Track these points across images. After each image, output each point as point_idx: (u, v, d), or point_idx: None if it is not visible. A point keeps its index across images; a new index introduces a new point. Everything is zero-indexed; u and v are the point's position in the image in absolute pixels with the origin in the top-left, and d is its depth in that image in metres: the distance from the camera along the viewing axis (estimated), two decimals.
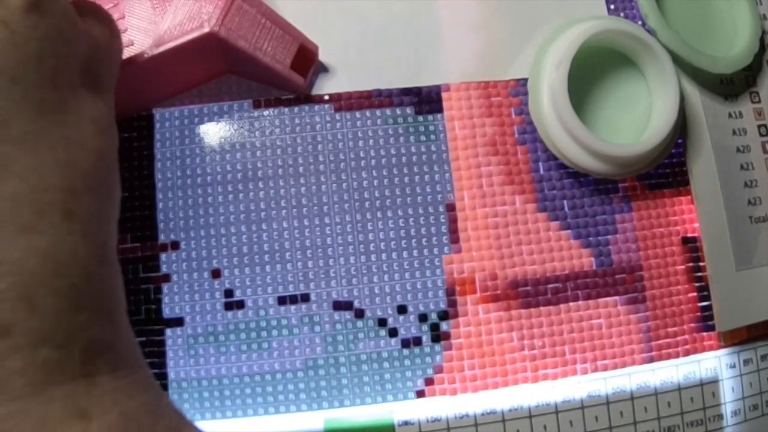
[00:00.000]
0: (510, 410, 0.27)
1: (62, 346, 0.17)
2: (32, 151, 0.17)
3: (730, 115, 0.31)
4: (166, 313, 0.27)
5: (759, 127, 0.31)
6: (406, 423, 0.27)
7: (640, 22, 0.30)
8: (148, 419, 0.18)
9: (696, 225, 0.30)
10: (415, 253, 0.28)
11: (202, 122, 0.29)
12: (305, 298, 0.28)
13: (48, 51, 0.18)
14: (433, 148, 0.29)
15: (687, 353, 0.29)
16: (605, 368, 0.28)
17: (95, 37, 0.21)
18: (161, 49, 0.26)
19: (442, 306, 0.28)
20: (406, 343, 0.27)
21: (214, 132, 0.29)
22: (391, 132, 0.29)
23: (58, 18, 0.19)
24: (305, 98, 0.29)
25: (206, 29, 0.26)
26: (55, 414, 0.16)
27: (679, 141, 0.30)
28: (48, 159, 0.17)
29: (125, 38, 0.26)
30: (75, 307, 0.17)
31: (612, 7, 0.31)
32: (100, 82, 0.21)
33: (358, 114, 0.29)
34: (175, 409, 0.19)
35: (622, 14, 0.31)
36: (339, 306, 0.28)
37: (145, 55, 0.26)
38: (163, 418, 0.18)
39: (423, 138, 0.29)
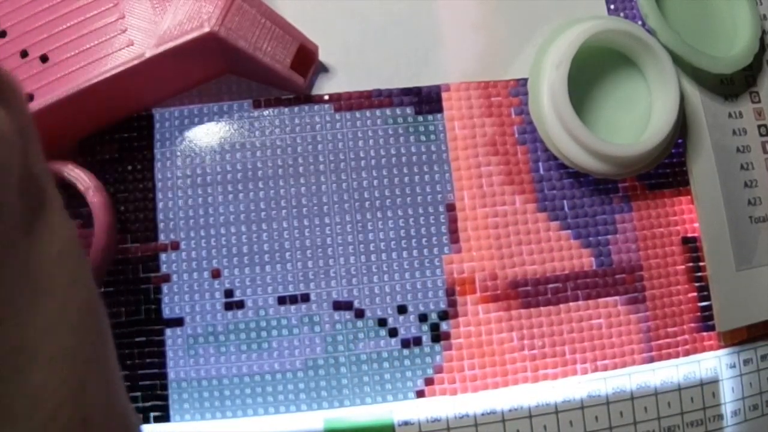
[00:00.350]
0: (510, 410, 0.27)
1: None
2: (35, 362, 0.14)
3: (730, 115, 0.31)
4: (166, 313, 0.27)
5: (759, 127, 0.31)
6: (406, 423, 0.27)
7: (640, 22, 0.30)
8: None
9: (696, 225, 0.30)
10: (415, 253, 0.28)
11: (202, 122, 0.29)
12: (305, 298, 0.28)
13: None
14: (433, 148, 0.29)
15: (687, 353, 0.29)
16: (605, 368, 0.28)
17: (18, 127, 0.15)
18: (161, 49, 0.26)
19: (442, 306, 0.28)
20: (406, 343, 0.27)
21: (214, 132, 0.29)
22: (391, 132, 0.29)
23: None
24: (305, 98, 0.29)
25: (206, 29, 0.26)
26: None
27: (679, 141, 0.30)
28: (54, 345, 0.15)
29: (125, 38, 0.26)
30: None
31: (612, 7, 0.31)
32: (46, 195, 0.16)
33: (358, 114, 0.29)
34: None
35: (622, 14, 0.31)
36: (339, 306, 0.28)
37: (145, 55, 0.26)
38: None
39: (423, 138, 0.29)
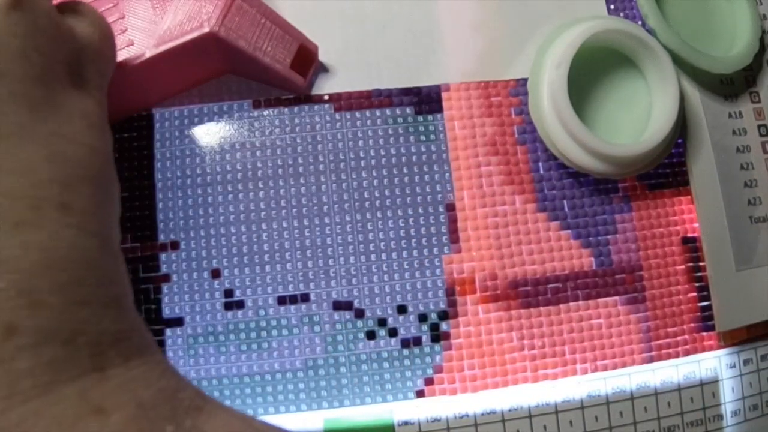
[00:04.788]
0: (510, 410, 0.27)
1: (68, 341, 0.16)
2: (23, 146, 0.17)
3: (730, 115, 0.31)
4: (166, 313, 0.27)
5: (759, 127, 0.31)
6: (406, 423, 0.27)
7: (640, 22, 0.30)
8: (168, 405, 0.17)
9: (696, 225, 0.30)
10: (415, 253, 0.28)
11: (202, 122, 0.29)
12: (305, 298, 0.28)
13: (32, 47, 0.18)
14: (433, 148, 0.29)
15: (687, 353, 0.29)
16: (605, 368, 0.28)
17: (82, 37, 0.21)
18: (161, 49, 0.26)
19: (442, 306, 0.28)
20: (406, 343, 0.27)
21: (214, 132, 0.29)
22: (391, 132, 0.29)
23: (39, 16, 0.19)
24: (305, 98, 0.29)
25: (206, 29, 0.26)
26: (68, 412, 0.16)
27: (679, 141, 0.30)
28: (40, 153, 0.17)
29: (125, 38, 0.26)
30: (79, 301, 0.17)
31: (612, 7, 0.31)
32: (88, 81, 0.21)
33: (358, 114, 0.29)
34: (194, 388, 0.19)
35: (622, 14, 0.31)
36: (339, 306, 0.28)
37: (145, 55, 0.26)
38: (183, 400, 0.18)
39: (423, 138, 0.29)
